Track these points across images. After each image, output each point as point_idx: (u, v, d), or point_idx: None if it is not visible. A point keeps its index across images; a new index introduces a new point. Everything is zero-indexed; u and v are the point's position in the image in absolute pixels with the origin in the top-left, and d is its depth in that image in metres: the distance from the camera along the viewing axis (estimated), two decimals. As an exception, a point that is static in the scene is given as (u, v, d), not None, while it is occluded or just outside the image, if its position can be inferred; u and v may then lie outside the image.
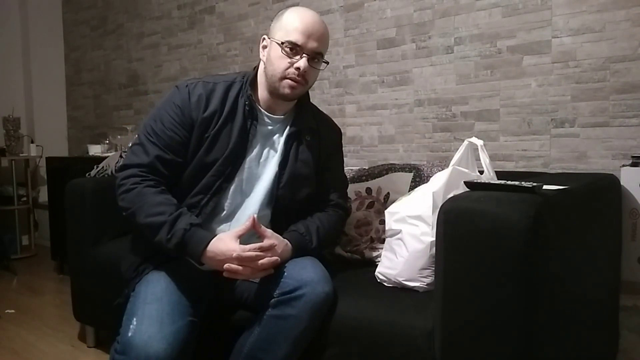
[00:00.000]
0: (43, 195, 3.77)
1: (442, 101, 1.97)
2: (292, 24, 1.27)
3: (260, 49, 1.36)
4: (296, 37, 1.26)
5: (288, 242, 1.29)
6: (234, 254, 1.18)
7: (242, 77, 1.37)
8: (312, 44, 1.27)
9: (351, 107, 2.26)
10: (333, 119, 1.57)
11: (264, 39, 1.35)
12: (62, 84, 4.05)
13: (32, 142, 3.70)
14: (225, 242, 1.21)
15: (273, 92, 1.32)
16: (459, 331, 1.00)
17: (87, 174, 2.57)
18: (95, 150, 3.24)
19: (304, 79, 1.29)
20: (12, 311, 2.45)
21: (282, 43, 1.27)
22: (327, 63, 1.34)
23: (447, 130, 1.97)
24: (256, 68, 1.39)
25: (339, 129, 1.56)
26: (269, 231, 1.27)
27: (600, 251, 1.40)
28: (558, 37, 1.69)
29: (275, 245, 1.24)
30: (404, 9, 2.06)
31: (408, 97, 2.07)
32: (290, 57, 1.27)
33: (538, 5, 1.72)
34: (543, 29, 1.72)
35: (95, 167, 2.61)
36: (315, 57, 1.29)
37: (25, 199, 3.61)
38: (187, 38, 3.00)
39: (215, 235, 1.23)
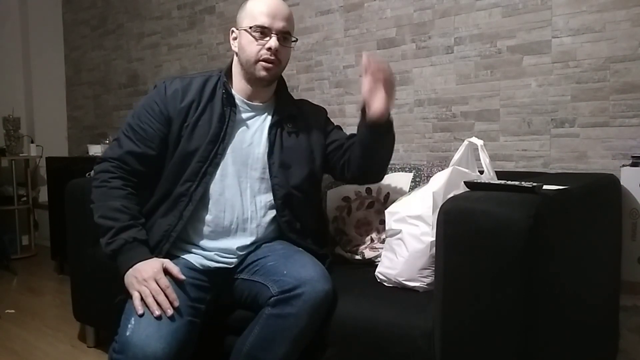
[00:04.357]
0: (43, 195, 3.77)
1: (442, 101, 1.97)
2: (257, 9, 1.33)
3: (231, 42, 1.40)
4: (263, 20, 1.31)
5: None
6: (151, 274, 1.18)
7: (219, 71, 1.43)
8: (279, 24, 1.32)
9: (351, 107, 2.25)
10: (332, 119, 1.58)
11: (233, 31, 1.39)
12: (62, 84, 4.05)
13: (32, 142, 3.71)
14: (152, 265, 1.21)
15: (250, 78, 1.37)
16: (459, 331, 1.00)
17: (87, 174, 2.57)
18: (95, 150, 3.24)
19: (277, 59, 1.34)
20: (12, 311, 2.45)
21: (250, 28, 1.32)
22: (296, 40, 1.39)
23: (447, 130, 1.96)
24: (230, 62, 1.43)
25: (322, 107, 1.59)
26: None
27: (600, 251, 1.40)
28: (558, 37, 1.69)
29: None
30: (404, 9, 2.06)
31: (408, 97, 2.06)
32: (260, 40, 1.32)
33: (538, 5, 1.72)
34: (543, 29, 1.72)
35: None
36: (284, 36, 1.34)
37: (25, 199, 3.61)
38: (187, 38, 3.00)
39: (152, 258, 1.24)
